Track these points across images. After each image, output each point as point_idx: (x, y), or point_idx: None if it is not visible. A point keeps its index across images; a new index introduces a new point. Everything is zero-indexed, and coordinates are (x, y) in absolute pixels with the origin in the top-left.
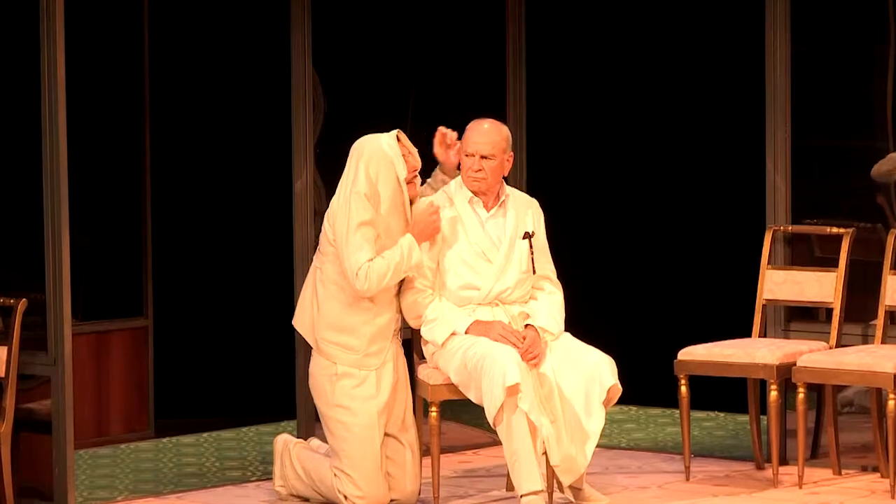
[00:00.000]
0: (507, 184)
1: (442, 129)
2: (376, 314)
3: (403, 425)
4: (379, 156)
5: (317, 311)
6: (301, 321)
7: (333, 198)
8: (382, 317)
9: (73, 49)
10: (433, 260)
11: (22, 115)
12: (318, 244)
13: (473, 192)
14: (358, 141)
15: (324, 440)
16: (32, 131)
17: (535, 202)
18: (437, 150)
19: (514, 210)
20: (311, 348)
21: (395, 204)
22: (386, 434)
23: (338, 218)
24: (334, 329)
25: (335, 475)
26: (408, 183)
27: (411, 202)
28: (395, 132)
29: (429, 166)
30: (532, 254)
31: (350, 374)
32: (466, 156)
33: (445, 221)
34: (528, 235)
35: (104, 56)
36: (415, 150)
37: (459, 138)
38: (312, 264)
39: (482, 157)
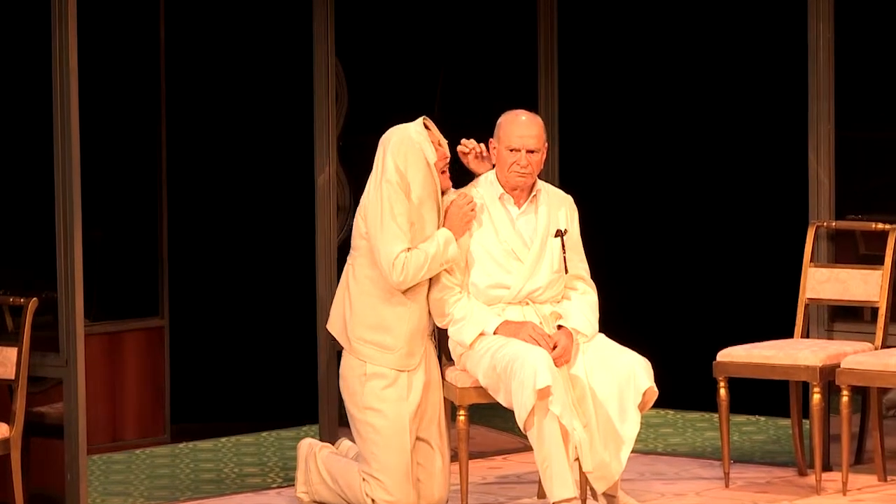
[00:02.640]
0: (539, 178)
1: (468, 148)
2: (412, 311)
3: (435, 429)
4: (407, 143)
5: (349, 310)
6: (334, 324)
7: (364, 192)
8: (419, 314)
9: (86, 38)
10: (461, 257)
11: (34, 109)
12: (349, 242)
13: (514, 187)
14: (386, 132)
15: (354, 442)
16: (44, 124)
17: (569, 198)
18: (474, 165)
19: (547, 206)
20: (340, 350)
21: (428, 192)
22: (417, 438)
23: (369, 209)
24: (369, 327)
25: (364, 479)
26: (440, 173)
27: (443, 193)
28: (421, 119)
29: (453, 154)
30: (564, 252)
31: (381, 374)
32: (510, 151)
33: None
34: (560, 233)
35: (118, 46)
36: (444, 142)
37: (478, 140)
38: (346, 264)
39: (529, 151)
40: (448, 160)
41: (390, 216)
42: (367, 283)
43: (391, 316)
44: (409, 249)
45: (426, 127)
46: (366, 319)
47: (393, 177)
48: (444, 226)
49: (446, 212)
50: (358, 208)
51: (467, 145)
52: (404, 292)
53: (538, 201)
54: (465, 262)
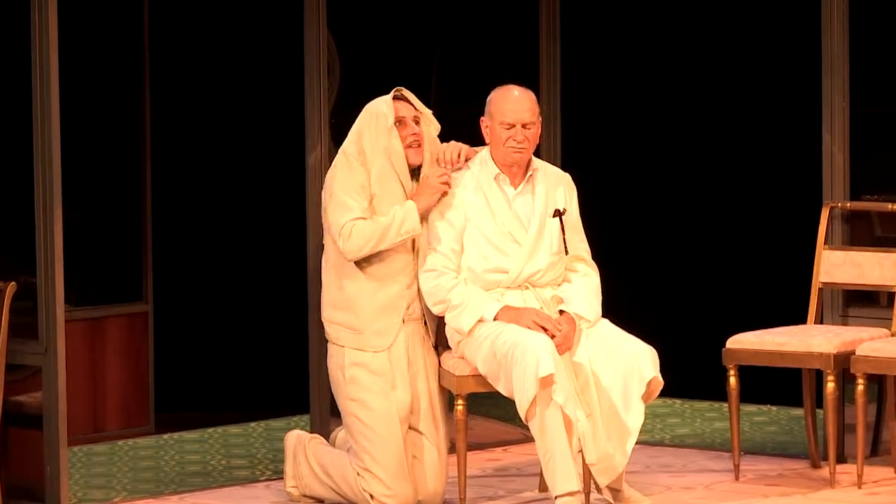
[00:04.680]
0: (540, 158)
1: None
2: (379, 287)
3: (430, 420)
4: (370, 115)
5: (323, 292)
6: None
7: None
8: (387, 291)
9: (68, 15)
10: (457, 242)
11: (12, 88)
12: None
13: (511, 164)
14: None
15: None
16: (23, 101)
17: (566, 176)
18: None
19: (544, 185)
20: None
21: (390, 163)
22: (411, 428)
23: (326, 182)
24: (336, 306)
25: (358, 474)
26: (407, 147)
27: (417, 167)
28: (394, 90)
29: (451, 132)
30: (564, 233)
31: (362, 363)
32: (506, 128)
33: (468, 197)
34: (558, 213)
35: (101, 21)
36: (427, 112)
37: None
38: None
39: (524, 125)
40: (417, 136)
41: (340, 186)
42: (333, 258)
43: (355, 293)
44: (360, 219)
45: (403, 98)
46: (333, 297)
47: (350, 147)
48: (412, 196)
49: (419, 184)
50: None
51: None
52: (369, 267)
53: (535, 181)
54: (461, 247)
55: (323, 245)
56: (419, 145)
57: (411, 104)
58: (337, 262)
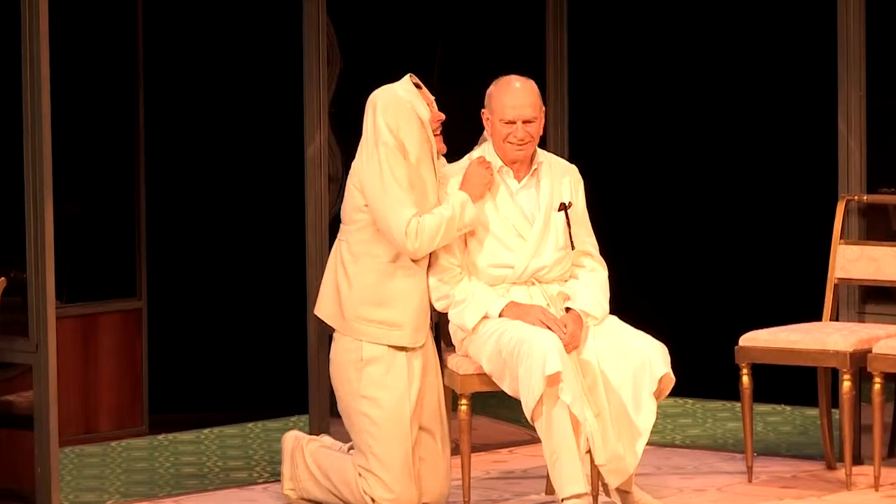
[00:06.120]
0: (547, 151)
1: None
2: (418, 283)
3: (434, 416)
4: (395, 103)
5: (347, 289)
6: (325, 307)
7: (355, 161)
8: (424, 287)
9: (58, 4)
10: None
11: (1, 76)
12: (338, 216)
13: (513, 161)
14: (372, 94)
15: (339, 438)
16: (13, 93)
17: (573, 168)
18: None
19: (549, 179)
20: (331, 334)
21: (424, 152)
22: (419, 427)
23: (366, 177)
24: (373, 305)
25: (360, 475)
26: (436, 136)
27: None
28: (407, 76)
29: (454, 124)
30: (569, 227)
31: (378, 358)
32: (505, 123)
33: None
34: (563, 207)
35: (93, 10)
36: (434, 103)
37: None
38: (336, 242)
39: (525, 121)
40: (442, 120)
41: (392, 180)
42: (367, 259)
43: (398, 290)
44: (419, 214)
45: (416, 85)
46: (368, 297)
47: (388, 138)
48: (461, 188)
49: (465, 175)
50: (349, 179)
51: None
52: (409, 263)
53: (540, 174)
54: (465, 241)
55: (340, 241)
56: (440, 129)
57: (426, 90)
58: (372, 260)
